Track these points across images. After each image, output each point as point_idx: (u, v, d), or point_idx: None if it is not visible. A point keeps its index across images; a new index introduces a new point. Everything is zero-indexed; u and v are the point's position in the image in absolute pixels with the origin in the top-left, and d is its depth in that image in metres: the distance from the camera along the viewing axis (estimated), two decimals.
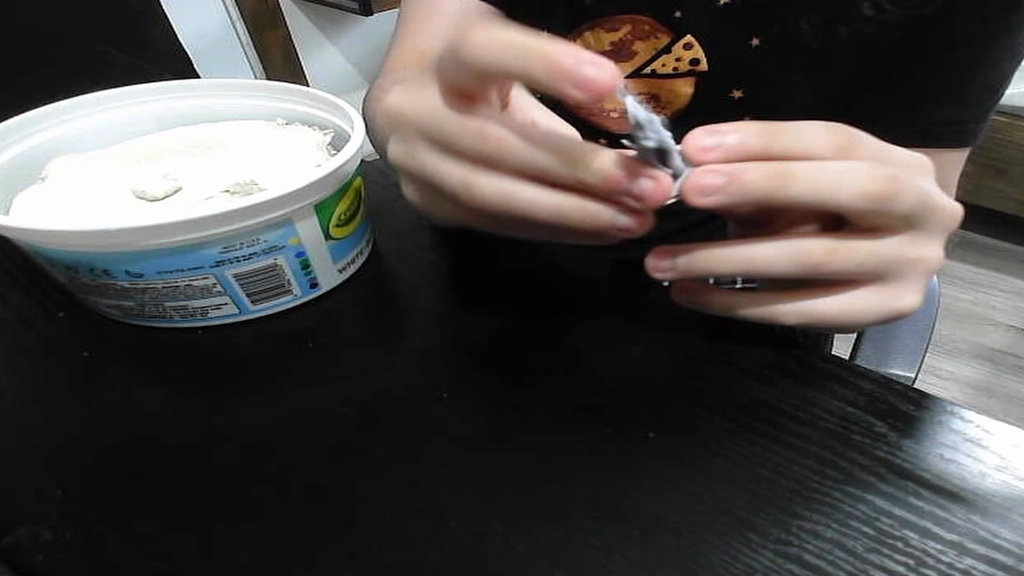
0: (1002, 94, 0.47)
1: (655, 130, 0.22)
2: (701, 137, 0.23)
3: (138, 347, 0.34)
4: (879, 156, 0.25)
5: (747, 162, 0.23)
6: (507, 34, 0.22)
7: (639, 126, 0.22)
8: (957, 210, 0.27)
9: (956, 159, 0.50)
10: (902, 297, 0.27)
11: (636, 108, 0.22)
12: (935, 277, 0.64)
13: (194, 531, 0.25)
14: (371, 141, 0.45)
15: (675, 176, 0.23)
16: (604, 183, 0.22)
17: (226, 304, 0.33)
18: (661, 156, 0.23)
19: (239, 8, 1.65)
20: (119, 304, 0.33)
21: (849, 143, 0.24)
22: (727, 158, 0.23)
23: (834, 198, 0.24)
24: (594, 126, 0.55)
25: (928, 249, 0.27)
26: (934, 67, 0.45)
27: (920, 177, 0.26)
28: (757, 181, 0.23)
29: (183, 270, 0.31)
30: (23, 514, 0.26)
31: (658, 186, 0.22)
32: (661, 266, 0.28)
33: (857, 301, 0.28)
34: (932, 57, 0.45)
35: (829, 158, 0.24)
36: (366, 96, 0.54)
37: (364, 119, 0.37)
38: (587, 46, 0.52)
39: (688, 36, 0.49)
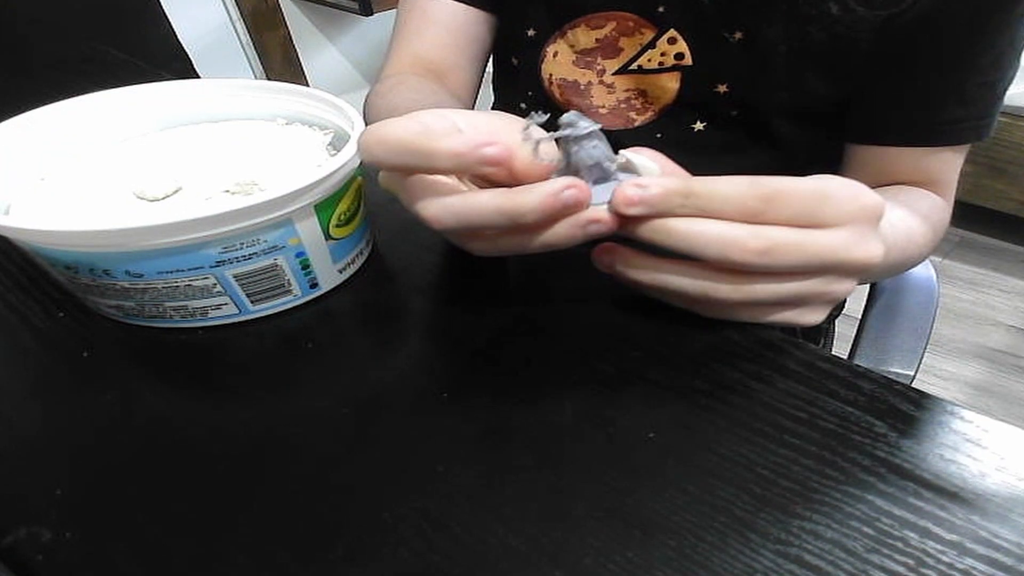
0: (1003, 90, 0.47)
1: (580, 119, 0.24)
2: (629, 190, 0.26)
3: (138, 347, 0.34)
4: (800, 216, 0.26)
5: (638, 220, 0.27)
6: (391, 135, 0.25)
7: (570, 123, 0.24)
8: (869, 258, 0.28)
9: (955, 157, 0.50)
10: (804, 316, 0.31)
11: (557, 116, 0.24)
12: (934, 275, 0.65)
13: (194, 531, 0.25)
14: None
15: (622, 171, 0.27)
16: (543, 216, 0.25)
17: (226, 304, 0.33)
18: (606, 135, 0.25)
19: (239, 8, 1.65)
20: (119, 304, 0.33)
21: (762, 209, 0.26)
22: (650, 210, 0.26)
23: (704, 254, 0.27)
24: None
25: (836, 286, 0.29)
26: (928, 68, 0.46)
27: (835, 234, 0.27)
28: (646, 231, 0.27)
29: (183, 270, 0.31)
30: (23, 514, 0.26)
31: (579, 191, 0.25)
32: (603, 260, 0.31)
33: (764, 317, 0.31)
34: (924, 58, 0.45)
35: (735, 219, 0.26)
36: (366, 100, 0.54)
37: (364, 121, 0.37)
38: (573, 44, 0.53)
39: (672, 31, 0.49)
